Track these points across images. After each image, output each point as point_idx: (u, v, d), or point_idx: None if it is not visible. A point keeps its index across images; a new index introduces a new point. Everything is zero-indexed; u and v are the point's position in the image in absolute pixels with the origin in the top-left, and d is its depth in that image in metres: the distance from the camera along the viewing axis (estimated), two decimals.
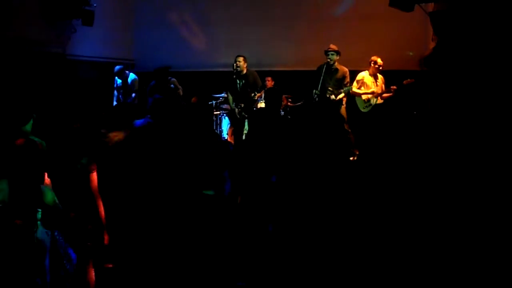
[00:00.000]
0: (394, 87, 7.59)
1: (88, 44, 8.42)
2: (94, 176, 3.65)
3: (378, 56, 7.68)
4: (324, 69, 7.55)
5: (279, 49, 9.42)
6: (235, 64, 7.51)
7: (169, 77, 7.76)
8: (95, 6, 7.91)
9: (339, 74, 7.60)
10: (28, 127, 3.44)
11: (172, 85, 7.70)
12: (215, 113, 8.81)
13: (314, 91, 7.55)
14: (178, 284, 3.97)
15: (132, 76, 8.25)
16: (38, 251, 2.98)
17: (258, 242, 4.50)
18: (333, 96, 7.53)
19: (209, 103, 8.69)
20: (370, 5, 9.04)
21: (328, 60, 7.55)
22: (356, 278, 4.08)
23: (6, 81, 6.19)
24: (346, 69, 7.64)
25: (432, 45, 7.89)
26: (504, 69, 5.52)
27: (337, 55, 7.57)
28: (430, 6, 7.57)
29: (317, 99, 7.55)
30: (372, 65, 7.69)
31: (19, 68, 6.60)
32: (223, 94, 8.64)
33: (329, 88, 7.51)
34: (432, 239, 4.49)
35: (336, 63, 7.59)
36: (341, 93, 7.56)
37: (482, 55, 5.90)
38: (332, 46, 7.61)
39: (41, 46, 7.26)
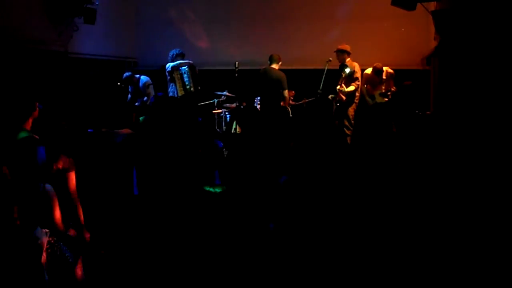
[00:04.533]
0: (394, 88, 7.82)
1: (90, 42, 8.42)
2: (72, 175, 3.61)
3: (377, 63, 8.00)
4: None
5: (282, 47, 9.39)
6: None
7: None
8: (97, 4, 7.91)
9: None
10: (28, 125, 3.45)
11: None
12: (217, 111, 8.82)
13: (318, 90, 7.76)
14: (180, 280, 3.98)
15: (143, 79, 8.19)
16: (34, 249, 2.99)
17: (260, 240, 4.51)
18: (330, 96, 7.93)
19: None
20: (373, 4, 9.04)
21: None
22: (356, 278, 4.08)
23: (8, 79, 6.20)
24: (355, 64, 7.85)
25: (434, 44, 7.90)
26: (506, 68, 5.50)
27: (343, 53, 7.83)
28: (432, 5, 7.57)
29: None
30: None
31: (21, 67, 6.60)
32: (225, 92, 8.64)
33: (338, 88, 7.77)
34: (435, 239, 4.48)
35: (346, 61, 7.84)
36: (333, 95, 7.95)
37: (484, 54, 5.89)
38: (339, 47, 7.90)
39: (43, 44, 7.26)
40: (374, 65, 7.97)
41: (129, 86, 8.24)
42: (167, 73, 7.94)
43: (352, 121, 7.84)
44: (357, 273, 4.12)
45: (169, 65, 7.88)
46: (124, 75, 8.12)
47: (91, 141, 4.70)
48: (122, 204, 4.66)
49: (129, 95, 8.30)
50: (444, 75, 7.22)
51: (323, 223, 4.93)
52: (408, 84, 7.62)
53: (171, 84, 7.96)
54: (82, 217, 3.71)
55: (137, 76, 8.21)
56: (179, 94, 7.83)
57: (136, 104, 8.13)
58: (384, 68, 7.96)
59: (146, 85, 8.12)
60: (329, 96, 8.05)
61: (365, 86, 8.02)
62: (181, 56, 7.97)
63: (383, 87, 7.98)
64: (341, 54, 7.80)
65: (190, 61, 8.02)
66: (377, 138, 7.27)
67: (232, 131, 7.18)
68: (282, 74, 7.70)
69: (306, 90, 8.37)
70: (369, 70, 8.04)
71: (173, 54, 7.96)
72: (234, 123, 7.05)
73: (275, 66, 7.80)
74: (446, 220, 4.75)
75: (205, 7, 9.90)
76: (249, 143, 5.03)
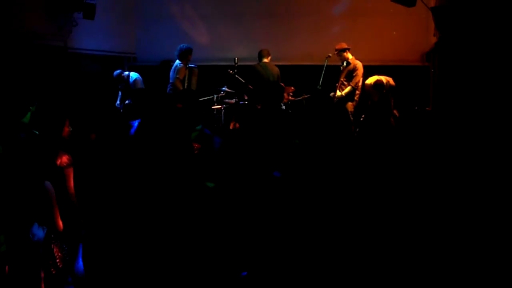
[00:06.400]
0: None
1: (90, 37, 8.40)
2: (70, 172, 3.61)
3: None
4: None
5: (281, 44, 9.41)
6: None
7: None
8: None
9: (350, 67, 7.85)
10: (26, 119, 3.45)
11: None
12: (216, 107, 8.81)
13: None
14: (179, 278, 3.98)
15: (133, 76, 8.03)
16: (32, 246, 2.99)
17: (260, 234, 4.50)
18: (332, 94, 7.96)
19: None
20: (372, 0, 9.02)
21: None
22: (356, 278, 4.08)
23: (7, 74, 6.19)
24: (357, 62, 7.85)
25: (434, 40, 7.90)
26: (506, 64, 5.50)
27: (342, 52, 7.86)
28: (432, 1, 7.57)
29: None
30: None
31: (20, 62, 6.60)
32: (224, 88, 8.63)
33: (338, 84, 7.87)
34: (433, 238, 4.48)
35: (349, 58, 7.88)
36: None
37: (484, 50, 5.89)
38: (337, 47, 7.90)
39: (42, 39, 7.25)
40: (376, 79, 7.66)
41: (119, 85, 8.09)
42: (173, 70, 8.00)
43: (351, 117, 7.83)
44: (355, 271, 4.13)
45: (179, 63, 7.97)
46: (114, 73, 7.96)
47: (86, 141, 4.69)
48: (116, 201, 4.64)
49: (120, 92, 8.21)
50: (443, 71, 7.22)
51: (319, 218, 4.93)
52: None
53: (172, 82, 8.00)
54: (78, 214, 3.71)
55: (126, 73, 8.02)
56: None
57: (126, 102, 8.00)
58: (384, 80, 7.74)
59: (135, 82, 7.99)
60: (331, 94, 8.09)
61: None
62: (189, 51, 7.96)
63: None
64: (341, 53, 7.83)
65: (196, 67, 8.15)
66: (375, 133, 7.28)
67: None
68: (278, 69, 7.92)
69: (306, 86, 8.37)
70: (370, 80, 7.81)
71: (181, 49, 7.92)
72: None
73: (266, 60, 7.85)
74: (445, 217, 4.76)
75: (204, 3, 9.88)
76: (248, 139, 5.02)
